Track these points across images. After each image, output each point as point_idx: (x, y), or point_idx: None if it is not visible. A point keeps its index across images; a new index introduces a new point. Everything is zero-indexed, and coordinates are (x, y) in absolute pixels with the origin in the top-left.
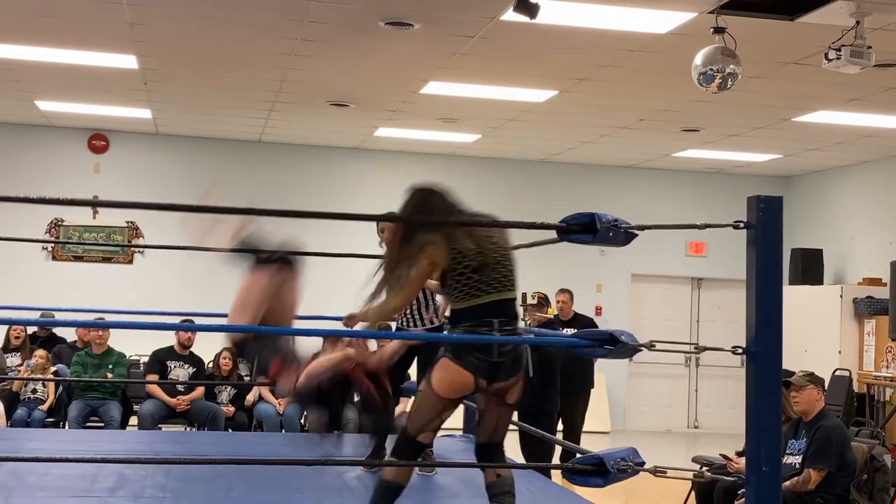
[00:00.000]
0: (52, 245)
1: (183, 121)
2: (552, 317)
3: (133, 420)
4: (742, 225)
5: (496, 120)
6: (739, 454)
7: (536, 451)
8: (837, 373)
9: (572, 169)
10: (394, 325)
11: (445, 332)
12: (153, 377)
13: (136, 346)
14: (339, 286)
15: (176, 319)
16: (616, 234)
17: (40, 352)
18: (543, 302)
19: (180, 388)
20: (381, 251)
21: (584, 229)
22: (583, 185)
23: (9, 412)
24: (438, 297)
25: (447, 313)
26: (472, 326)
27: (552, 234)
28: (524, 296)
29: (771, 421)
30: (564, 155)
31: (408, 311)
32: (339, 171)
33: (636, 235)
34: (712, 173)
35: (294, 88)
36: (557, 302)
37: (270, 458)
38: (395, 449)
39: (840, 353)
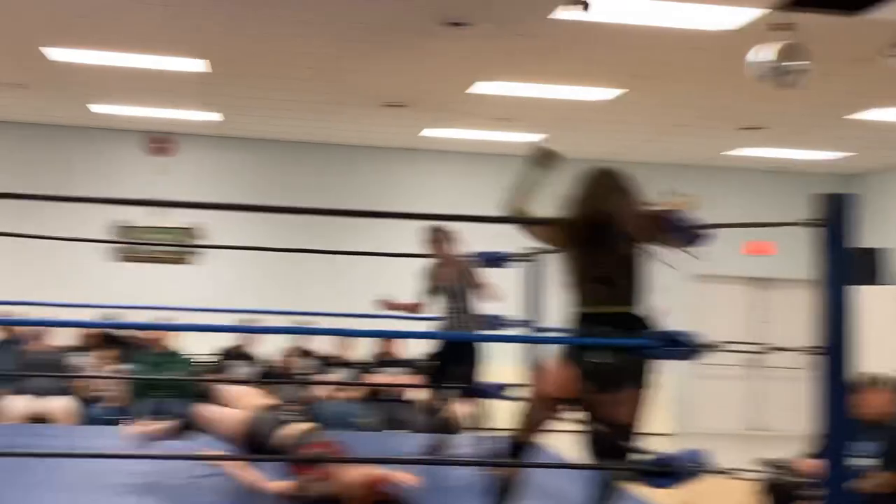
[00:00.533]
0: (120, 247)
1: (247, 123)
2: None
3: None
4: (814, 222)
5: (555, 120)
6: (808, 457)
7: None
8: None
9: (634, 169)
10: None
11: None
12: (217, 376)
13: (200, 344)
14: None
15: (239, 317)
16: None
17: (109, 351)
18: None
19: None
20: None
21: None
22: (645, 185)
23: (79, 411)
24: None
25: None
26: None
27: None
28: None
29: (844, 422)
30: (625, 154)
31: (448, 315)
32: (397, 171)
33: (702, 236)
34: (772, 172)
35: (351, 90)
36: None
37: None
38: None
39: None
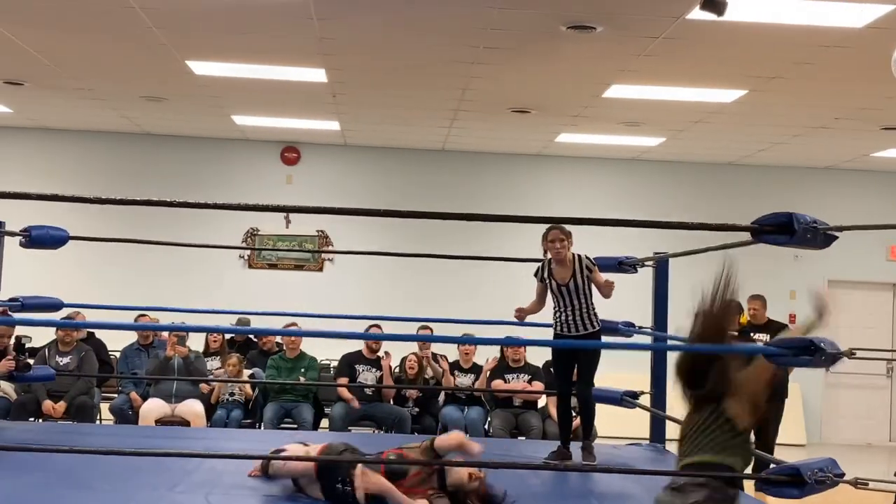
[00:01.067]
0: (249, 254)
1: (370, 132)
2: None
3: (324, 422)
4: None
5: (682, 122)
6: None
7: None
8: None
9: (763, 171)
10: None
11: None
12: (343, 380)
13: (327, 350)
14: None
15: (363, 323)
16: (815, 235)
17: (234, 356)
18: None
19: (368, 391)
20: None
21: (780, 230)
22: (775, 189)
23: (208, 413)
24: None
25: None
26: None
27: (745, 237)
28: None
29: None
30: (754, 157)
31: (564, 317)
32: (521, 178)
33: (836, 238)
34: None
35: (476, 96)
36: (749, 309)
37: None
38: None
39: None
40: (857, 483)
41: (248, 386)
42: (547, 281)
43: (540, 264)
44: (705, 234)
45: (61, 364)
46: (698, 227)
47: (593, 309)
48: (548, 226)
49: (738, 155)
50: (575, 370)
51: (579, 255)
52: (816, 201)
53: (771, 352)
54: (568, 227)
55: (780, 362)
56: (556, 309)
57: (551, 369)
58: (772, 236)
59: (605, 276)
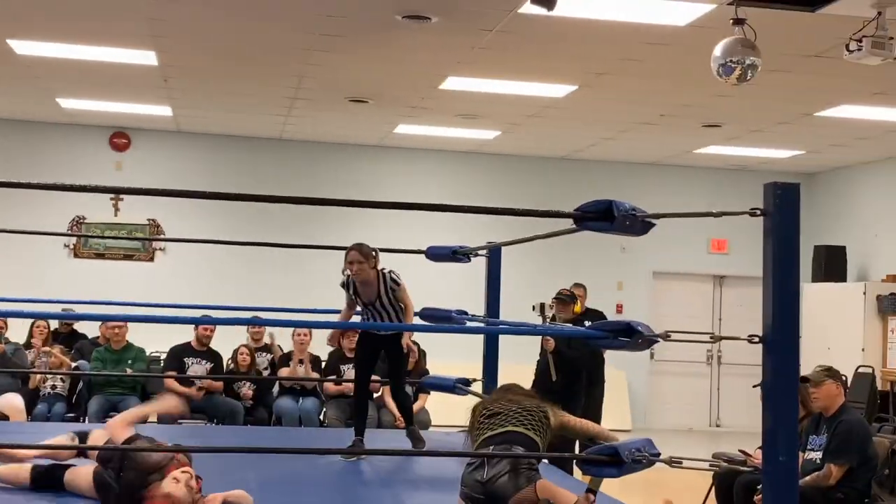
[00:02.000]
0: (74, 242)
1: (204, 118)
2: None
3: (153, 416)
4: (759, 212)
5: (517, 116)
6: (760, 450)
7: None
8: (860, 370)
9: (593, 166)
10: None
11: None
12: (172, 373)
13: (155, 343)
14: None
15: (195, 314)
16: (633, 223)
17: (56, 347)
18: (569, 299)
19: (198, 383)
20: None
21: (600, 217)
22: (604, 183)
23: (29, 407)
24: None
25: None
26: None
27: (569, 224)
28: (542, 305)
29: (787, 410)
30: (585, 152)
31: (367, 321)
32: (359, 168)
33: (653, 225)
34: (734, 170)
35: (313, 84)
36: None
37: (285, 448)
38: None
39: (863, 350)
40: (672, 462)
41: (69, 378)
42: (354, 297)
43: (347, 276)
44: (535, 224)
45: None
46: (525, 213)
47: (400, 320)
48: (350, 245)
49: (570, 149)
50: (374, 368)
51: (384, 273)
52: (642, 196)
53: (592, 334)
54: (383, 222)
55: (600, 345)
56: (363, 318)
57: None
58: (593, 223)
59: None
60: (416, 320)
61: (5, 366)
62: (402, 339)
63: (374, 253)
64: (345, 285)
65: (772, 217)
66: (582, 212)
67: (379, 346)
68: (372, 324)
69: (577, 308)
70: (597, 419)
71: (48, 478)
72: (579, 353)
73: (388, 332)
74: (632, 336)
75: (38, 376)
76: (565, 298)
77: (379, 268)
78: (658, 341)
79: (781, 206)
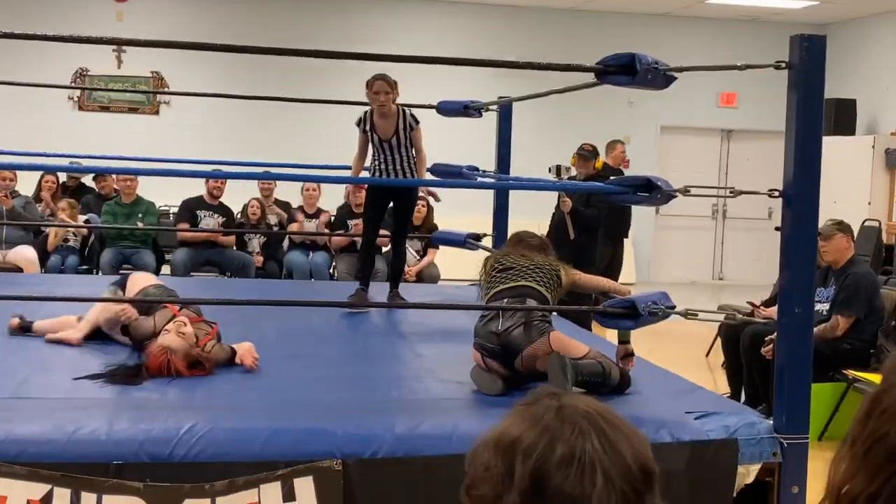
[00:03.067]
0: (79, 95)
1: None
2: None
3: (165, 269)
4: (784, 65)
5: None
6: (766, 304)
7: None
8: (867, 223)
9: (602, 17)
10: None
11: None
12: (184, 226)
13: (165, 196)
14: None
15: (205, 169)
16: (656, 76)
17: (66, 201)
18: (590, 155)
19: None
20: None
21: (622, 71)
22: (611, 35)
23: (42, 261)
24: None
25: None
26: None
27: (588, 79)
28: (558, 167)
29: (804, 264)
30: (595, 2)
31: (382, 168)
32: (364, 22)
33: (675, 79)
34: (747, 21)
35: None
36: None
37: (297, 300)
38: None
39: (870, 204)
40: (688, 314)
41: (83, 229)
42: (369, 133)
43: (363, 113)
44: (548, 78)
45: None
46: (544, 67)
47: (413, 165)
48: (373, 74)
49: (575, 1)
50: (383, 218)
51: (404, 109)
52: (653, 49)
53: (610, 190)
54: (394, 77)
55: (619, 200)
56: (375, 160)
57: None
58: (615, 77)
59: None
60: (428, 176)
61: (17, 219)
62: (414, 194)
63: (396, 85)
64: (360, 121)
65: (797, 70)
66: (603, 65)
67: (390, 194)
68: (385, 180)
69: (598, 164)
70: (617, 275)
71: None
72: (598, 210)
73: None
74: (651, 191)
75: (57, 235)
76: (586, 154)
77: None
78: (677, 196)
79: (808, 59)
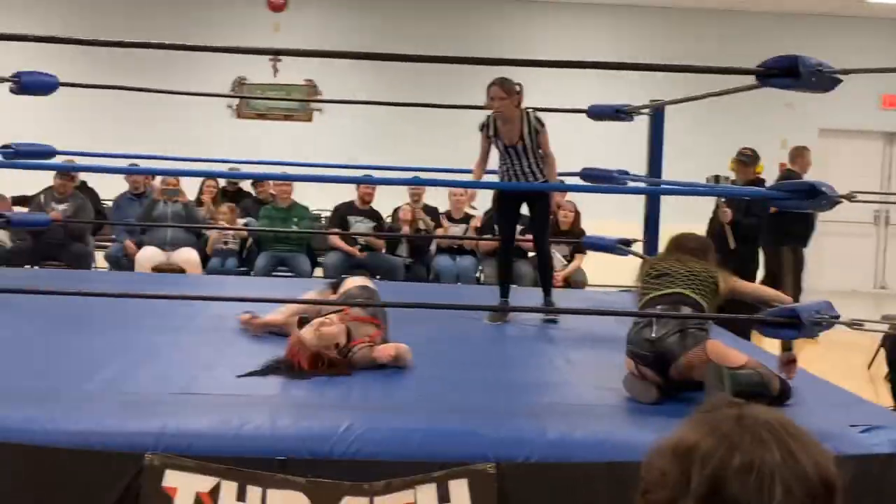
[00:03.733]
0: (237, 103)
1: None
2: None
3: (318, 272)
4: None
5: None
6: None
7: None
8: None
9: (756, 18)
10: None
11: None
12: (335, 230)
13: (319, 200)
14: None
15: (355, 175)
16: (820, 78)
17: (227, 205)
18: (749, 160)
19: (360, 241)
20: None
21: (785, 73)
22: (768, 37)
23: (203, 263)
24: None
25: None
26: None
27: (748, 82)
28: (716, 177)
29: None
30: (749, 2)
31: (511, 174)
32: (515, 25)
33: (840, 81)
34: None
35: None
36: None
37: (445, 304)
38: None
39: None
40: (853, 324)
41: (242, 232)
42: (493, 139)
43: (486, 118)
44: (699, 81)
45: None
46: (703, 70)
47: (541, 168)
48: (493, 78)
49: (733, 2)
50: (517, 222)
51: (527, 112)
52: (811, 49)
53: (773, 195)
54: (545, 81)
55: (782, 206)
56: (503, 165)
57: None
58: (777, 80)
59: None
60: (576, 180)
61: (183, 222)
62: (549, 197)
63: (517, 89)
64: (484, 126)
65: None
66: (766, 68)
67: (522, 197)
68: (517, 184)
69: (759, 168)
70: (790, 278)
71: None
72: (758, 219)
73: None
74: (816, 197)
75: (213, 236)
76: (745, 159)
77: (523, 106)
78: (841, 202)
79: None
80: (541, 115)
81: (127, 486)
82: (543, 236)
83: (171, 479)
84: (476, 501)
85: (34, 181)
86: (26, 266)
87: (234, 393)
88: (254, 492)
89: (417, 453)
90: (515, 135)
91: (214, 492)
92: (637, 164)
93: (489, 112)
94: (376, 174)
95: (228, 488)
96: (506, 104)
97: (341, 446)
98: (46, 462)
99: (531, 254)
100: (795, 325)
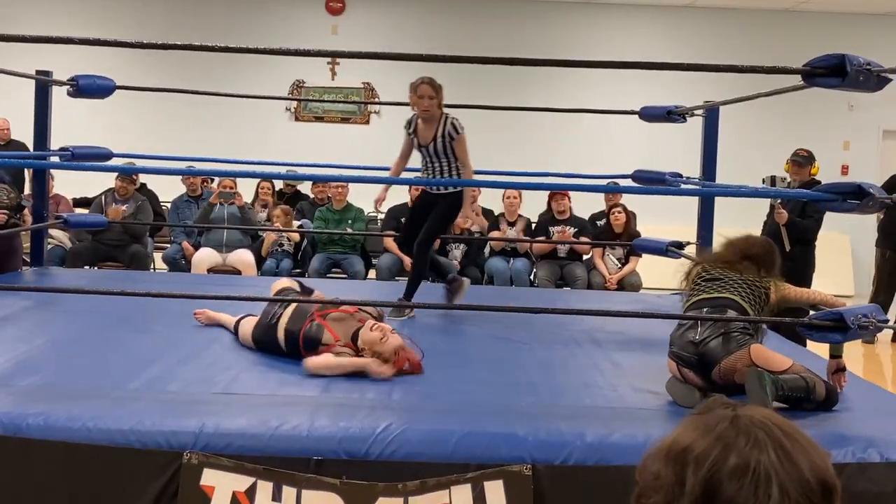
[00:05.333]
0: (295, 106)
1: None
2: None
3: (371, 273)
4: None
5: None
6: None
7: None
8: None
9: (811, 18)
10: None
11: None
12: (390, 233)
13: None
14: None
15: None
16: (868, 77)
17: (283, 207)
18: (805, 160)
19: None
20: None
21: (832, 73)
22: (823, 37)
23: (258, 264)
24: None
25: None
26: None
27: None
28: (772, 178)
29: None
30: (805, 3)
31: (427, 176)
32: (569, 27)
33: (889, 80)
34: None
35: None
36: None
37: (494, 306)
38: None
39: None
40: None
41: (295, 236)
42: (412, 137)
43: (413, 115)
44: (754, 81)
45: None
46: (748, 70)
47: (456, 172)
48: (419, 77)
49: (790, 2)
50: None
51: (446, 116)
52: (866, 49)
53: (818, 196)
54: (592, 81)
55: (828, 208)
56: (422, 166)
57: (597, 222)
58: (823, 79)
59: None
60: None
61: (239, 224)
62: (460, 203)
63: (442, 89)
64: (408, 123)
65: None
66: (812, 67)
67: (432, 201)
68: (429, 181)
69: (815, 170)
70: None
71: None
72: (815, 221)
73: (441, 188)
74: (863, 198)
75: (268, 238)
76: (800, 160)
77: (443, 109)
78: (890, 202)
79: None
80: (459, 122)
81: (165, 484)
82: (425, 244)
83: (209, 477)
84: (511, 503)
85: (95, 183)
86: (84, 267)
87: (273, 393)
88: (289, 492)
89: (454, 455)
90: (430, 135)
91: (251, 491)
92: (692, 167)
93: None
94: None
95: (264, 488)
96: (433, 104)
97: (378, 447)
98: (87, 459)
99: (585, 256)
100: (840, 329)
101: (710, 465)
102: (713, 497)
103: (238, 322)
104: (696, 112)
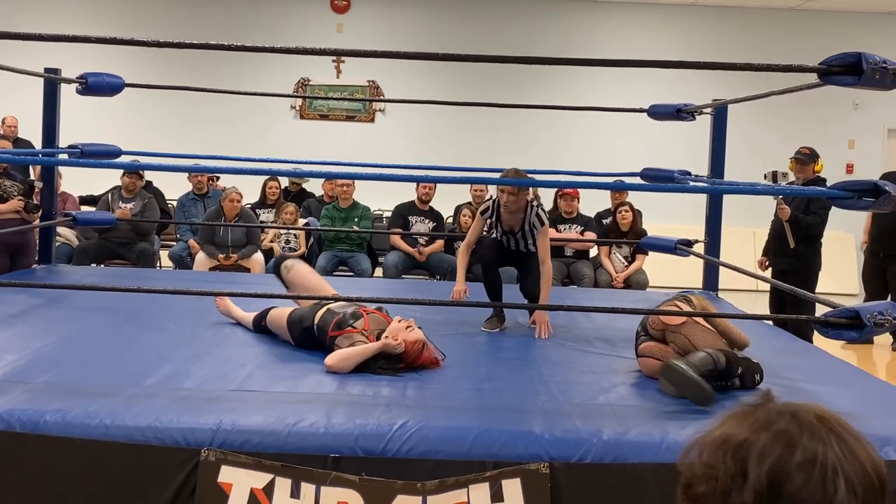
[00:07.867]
0: (300, 104)
1: None
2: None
3: (378, 271)
4: None
5: None
6: None
7: (795, 312)
8: None
9: (820, 17)
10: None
11: None
12: (396, 230)
13: (381, 201)
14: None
15: (416, 175)
16: (884, 76)
17: (290, 206)
18: (808, 158)
19: (421, 240)
20: None
21: (848, 71)
22: (832, 35)
23: (267, 262)
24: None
25: None
26: None
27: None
28: (774, 174)
29: None
30: (816, 1)
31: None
32: (574, 25)
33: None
34: None
35: None
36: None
37: (504, 303)
38: None
39: None
40: None
41: (303, 234)
42: (493, 222)
43: (491, 202)
44: (763, 80)
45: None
46: (764, 68)
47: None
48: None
49: (795, 0)
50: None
51: (532, 205)
52: (872, 47)
53: (833, 194)
54: (602, 81)
55: (842, 206)
56: (496, 235)
57: (603, 220)
58: (839, 77)
59: (551, 237)
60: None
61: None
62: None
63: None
64: (486, 210)
65: None
66: (827, 65)
67: (511, 257)
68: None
69: (818, 167)
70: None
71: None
72: (819, 217)
73: (530, 246)
74: (878, 196)
75: (274, 235)
76: (803, 157)
77: (529, 198)
78: None
79: None
80: (545, 212)
81: (183, 481)
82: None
83: (227, 474)
84: (529, 501)
85: (100, 181)
86: (92, 264)
87: (290, 390)
88: (307, 489)
89: (471, 453)
90: (516, 224)
91: (269, 488)
92: (700, 165)
93: (495, 200)
94: (432, 174)
95: (282, 485)
96: (517, 199)
97: (395, 444)
98: (105, 456)
99: (592, 254)
100: (856, 326)
101: (774, 460)
102: (778, 490)
103: (267, 310)
104: (704, 111)
